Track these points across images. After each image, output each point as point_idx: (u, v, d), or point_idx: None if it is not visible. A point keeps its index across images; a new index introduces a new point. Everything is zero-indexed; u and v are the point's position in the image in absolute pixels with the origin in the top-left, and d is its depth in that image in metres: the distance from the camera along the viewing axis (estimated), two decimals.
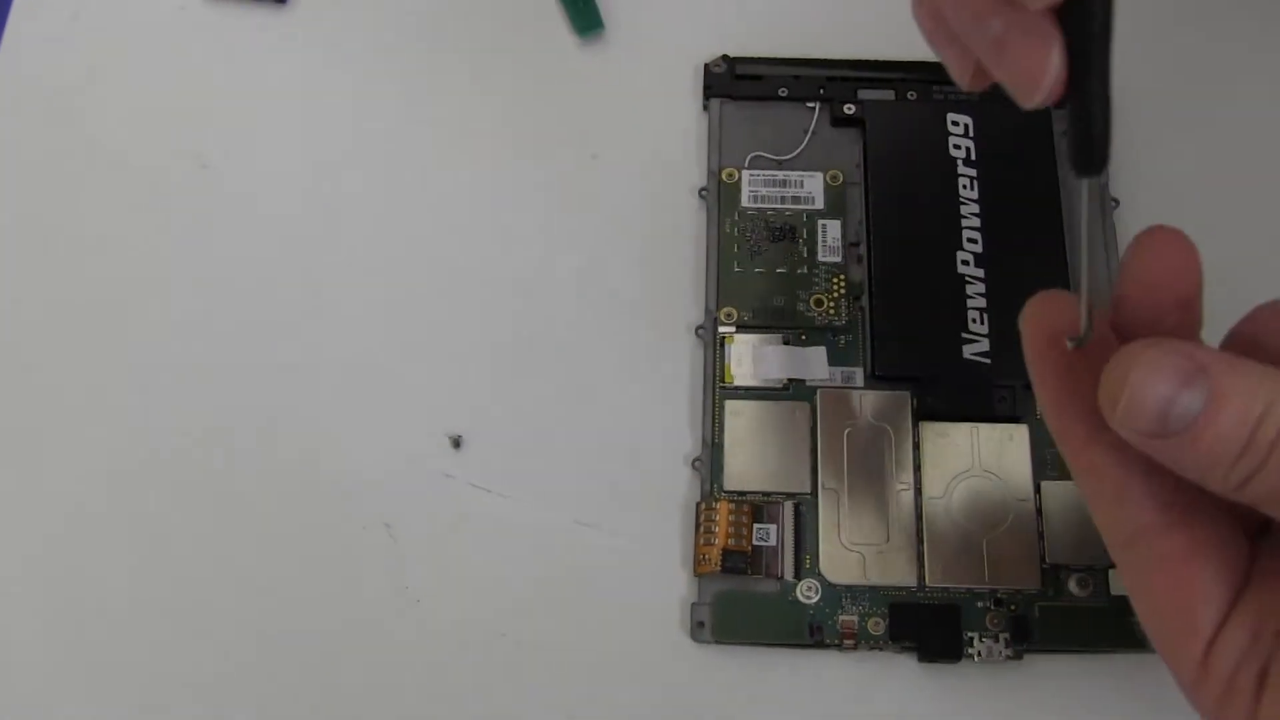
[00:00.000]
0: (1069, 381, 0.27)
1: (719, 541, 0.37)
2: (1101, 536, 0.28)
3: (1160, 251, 0.27)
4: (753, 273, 0.41)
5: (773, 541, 0.37)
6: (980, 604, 0.36)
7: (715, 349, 0.40)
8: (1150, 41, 0.42)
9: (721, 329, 0.40)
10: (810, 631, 0.36)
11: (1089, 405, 0.26)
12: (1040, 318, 0.28)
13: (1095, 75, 0.24)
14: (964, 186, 0.41)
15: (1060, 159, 0.41)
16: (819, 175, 0.42)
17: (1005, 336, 0.39)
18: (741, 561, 0.37)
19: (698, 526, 0.37)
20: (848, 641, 0.36)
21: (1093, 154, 0.25)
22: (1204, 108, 0.43)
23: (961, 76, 0.28)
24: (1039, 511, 0.37)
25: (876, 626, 0.36)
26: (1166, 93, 0.43)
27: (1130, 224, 0.41)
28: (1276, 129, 0.43)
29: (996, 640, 0.36)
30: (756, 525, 0.37)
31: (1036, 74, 0.24)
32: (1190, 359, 0.25)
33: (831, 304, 0.40)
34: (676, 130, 0.44)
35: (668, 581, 0.38)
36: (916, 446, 0.38)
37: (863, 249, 0.41)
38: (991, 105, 0.42)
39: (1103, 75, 0.24)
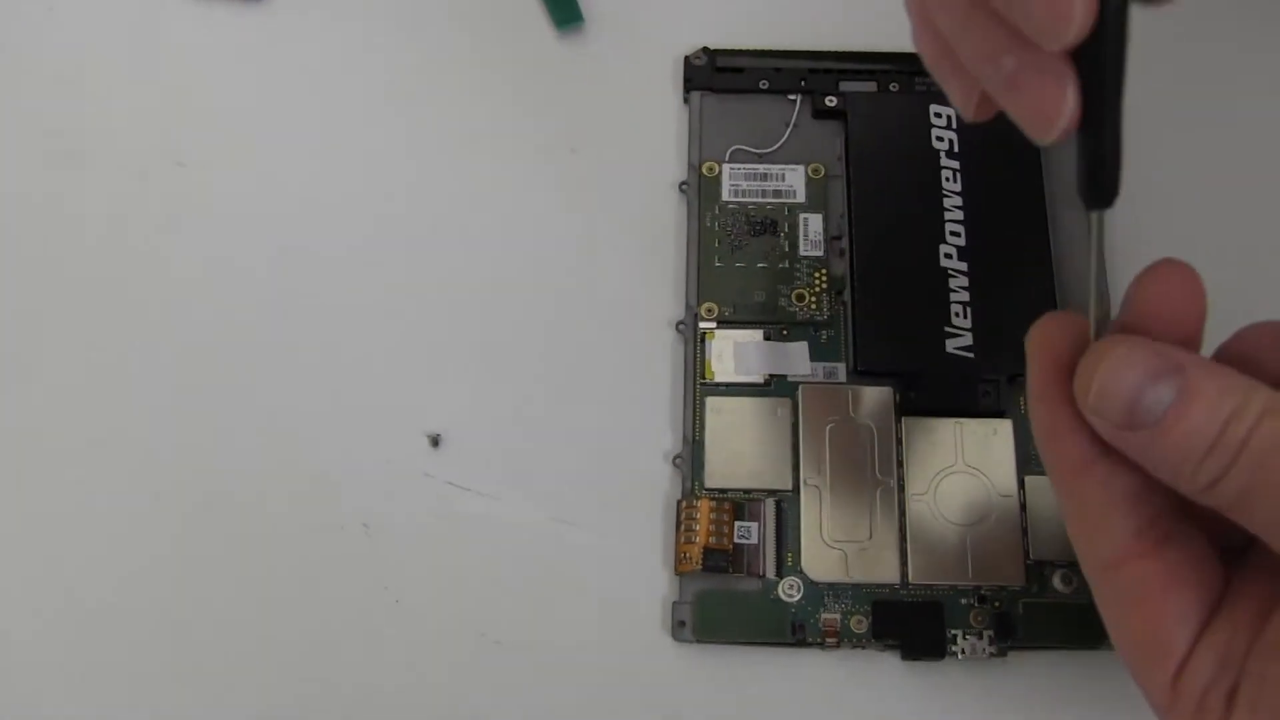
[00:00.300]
0: (1068, 403, 0.27)
1: (700, 540, 0.37)
2: (1078, 558, 0.28)
3: (1168, 287, 0.27)
4: (734, 267, 0.40)
5: (754, 539, 0.37)
6: (964, 601, 0.36)
7: (696, 345, 0.39)
8: (1132, 35, 0.42)
9: (702, 324, 0.40)
10: (792, 630, 0.36)
11: (1084, 426, 0.26)
12: (1047, 338, 0.28)
13: (1109, 111, 0.24)
14: (947, 179, 0.40)
15: (1043, 157, 0.41)
16: (800, 168, 0.42)
17: (989, 331, 0.38)
18: (723, 560, 0.36)
19: (679, 525, 0.37)
20: (830, 640, 0.36)
21: (1104, 188, 0.26)
22: (1186, 104, 0.43)
23: (966, 107, 0.28)
24: (1023, 507, 0.37)
25: (859, 625, 0.36)
26: (1148, 88, 0.43)
27: (1112, 221, 0.41)
28: (1260, 126, 0.43)
29: (980, 638, 0.36)
30: (738, 523, 0.37)
31: (1052, 112, 0.24)
32: (1163, 357, 0.25)
33: (813, 299, 0.40)
34: (656, 124, 0.43)
35: (649, 580, 0.37)
36: (899, 442, 0.38)
37: (844, 243, 0.40)
38: None
39: (1115, 111, 0.24)
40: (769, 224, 0.41)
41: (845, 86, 0.43)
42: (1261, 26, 0.45)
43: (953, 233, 0.39)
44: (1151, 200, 0.41)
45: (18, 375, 0.40)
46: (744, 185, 0.42)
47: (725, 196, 0.41)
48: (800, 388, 0.38)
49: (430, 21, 0.46)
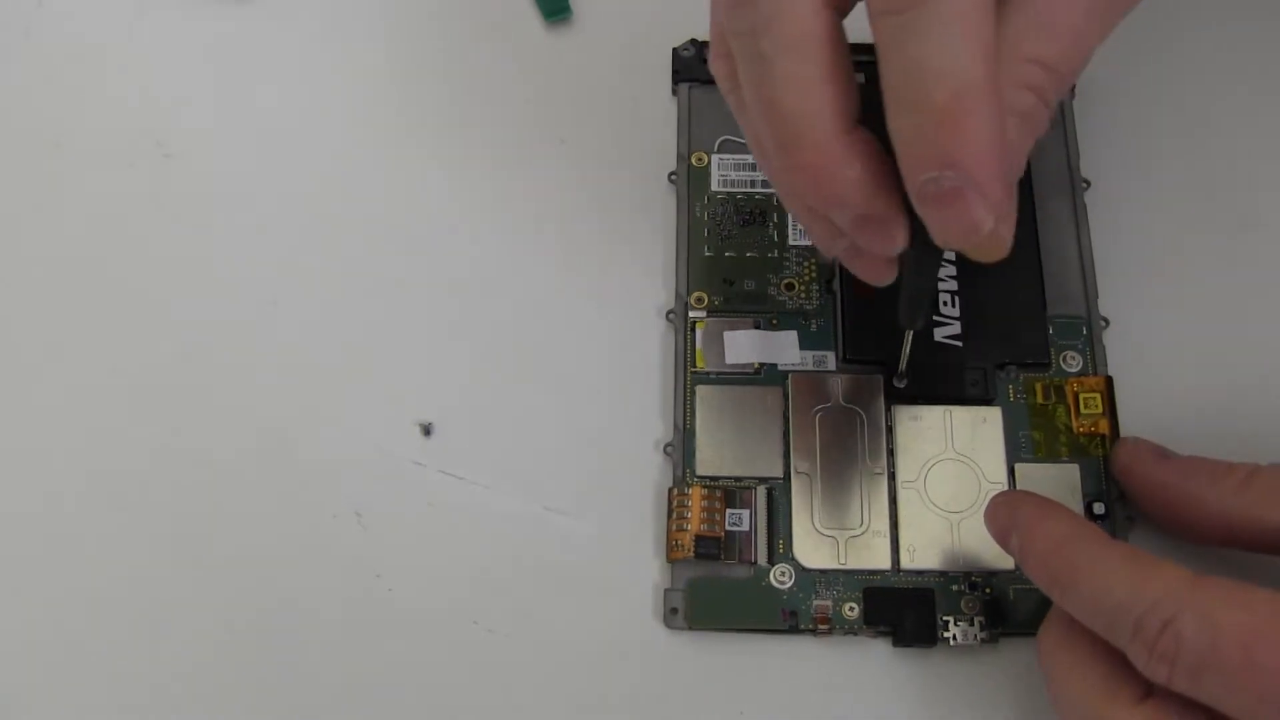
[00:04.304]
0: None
1: (692, 527, 0.37)
2: None
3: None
4: (723, 257, 0.40)
5: (745, 527, 0.37)
6: (955, 587, 0.36)
7: (686, 334, 0.39)
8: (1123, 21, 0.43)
9: (692, 314, 0.40)
10: (784, 617, 0.36)
11: None
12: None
13: (923, 279, 0.33)
14: None
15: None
16: None
17: (977, 319, 0.38)
18: (714, 547, 0.36)
19: (670, 512, 0.37)
20: (822, 627, 0.36)
21: (910, 319, 0.34)
22: (1173, 87, 0.44)
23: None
24: None
25: (851, 611, 0.36)
26: (1136, 71, 0.43)
27: (1101, 204, 0.41)
28: (1244, 111, 0.43)
29: (971, 624, 0.36)
30: (729, 510, 0.37)
31: (878, 279, 0.33)
32: None
33: (802, 288, 0.40)
34: (645, 115, 0.43)
35: (640, 568, 0.37)
36: (889, 430, 0.38)
37: None
38: None
39: (926, 279, 0.33)
40: (758, 214, 0.41)
41: None
42: (1236, 13, 0.45)
43: None
44: (1123, 179, 0.42)
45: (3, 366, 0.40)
46: (733, 175, 0.42)
47: (714, 187, 0.42)
48: (790, 376, 0.39)
49: (416, 13, 0.46)
